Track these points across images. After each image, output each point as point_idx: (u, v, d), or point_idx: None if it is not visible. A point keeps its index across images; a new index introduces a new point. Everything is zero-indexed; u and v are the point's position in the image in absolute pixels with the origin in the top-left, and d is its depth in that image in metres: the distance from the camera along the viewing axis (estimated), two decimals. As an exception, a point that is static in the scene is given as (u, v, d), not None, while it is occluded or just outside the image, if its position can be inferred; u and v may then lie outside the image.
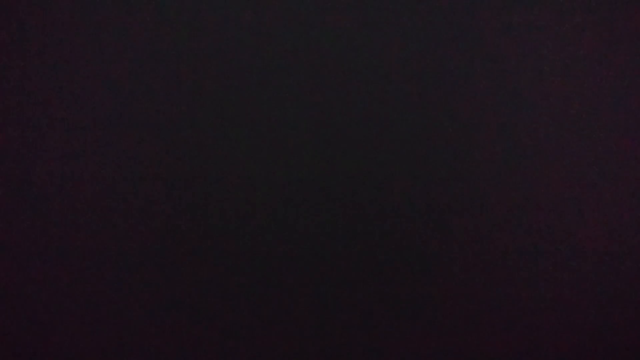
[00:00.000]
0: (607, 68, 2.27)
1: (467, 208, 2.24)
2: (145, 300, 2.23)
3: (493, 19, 2.28)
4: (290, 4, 2.28)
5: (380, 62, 2.27)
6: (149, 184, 2.25)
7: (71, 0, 2.28)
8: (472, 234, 2.24)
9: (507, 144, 2.26)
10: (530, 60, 2.27)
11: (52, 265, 2.23)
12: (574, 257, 2.24)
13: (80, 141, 2.26)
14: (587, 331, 2.23)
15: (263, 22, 2.28)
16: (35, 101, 2.26)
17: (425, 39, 2.27)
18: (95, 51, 2.27)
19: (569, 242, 2.25)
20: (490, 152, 2.25)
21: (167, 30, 2.27)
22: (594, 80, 2.28)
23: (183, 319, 2.23)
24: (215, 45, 2.27)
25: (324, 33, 2.28)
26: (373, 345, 2.23)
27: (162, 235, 2.24)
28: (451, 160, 2.25)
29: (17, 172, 2.25)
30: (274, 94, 2.27)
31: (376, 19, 2.28)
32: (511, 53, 2.27)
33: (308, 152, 2.25)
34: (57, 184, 2.24)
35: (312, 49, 2.27)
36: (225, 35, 2.27)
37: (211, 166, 2.25)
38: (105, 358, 2.22)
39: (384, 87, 2.26)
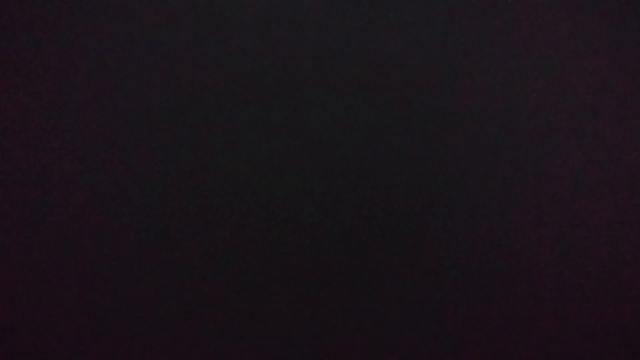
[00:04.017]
0: (608, 68, 2.27)
1: (467, 208, 2.24)
2: (145, 300, 2.23)
3: (493, 20, 2.28)
4: (291, 4, 2.28)
5: (381, 62, 2.27)
6: (149, 184, 2.25)
7: (72, 0, 2.28)
8: (472, 234, 2.24)
9: (507, 145, 2.25)
10: (530, 61, 2.27)
11: (51, 266, 2.24)
12: (574, 257, 2.24)
13: (80, 141, 2.26)
14: (586, 331, 2.23)
15: (263, 22, 2.28)
16: (36, 101, 2.26)
17: (425, 40, 2.27)
18: (95, 51, 2.27)
19: (569, 242, 2.25)
20: (490, 152, 2.25)
21: (168, 30, 2.27)
22: (594, 80, 2.28)
23: (183, 319, 2.23)
24: (216, 46, 2.27)
25: (325, 34, 2.28)
26: (373, 345, 2.23)
27: (162, 236, 2.24)
28: (451, 160, 2.25)
29: (17, 172, 2.25)
30: (274, 95, 2.27)
31: (377, 19, 2.28)
32: (511, 54, 2.27)
33: (308, 152, 2.25)
34: (57, 184, 2.25)
35: (313, 49, 2.27)
36: (226, 36, 2.27)
37: (211, 166, 2.25)
38: (105, 358, 2.23)
39: (384, 87, 2.26)
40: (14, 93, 2.26)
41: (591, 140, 2.26)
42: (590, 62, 2.28)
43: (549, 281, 2.24)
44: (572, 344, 2.23)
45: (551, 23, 2.28)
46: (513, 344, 2.23)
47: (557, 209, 2.25)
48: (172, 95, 2.27)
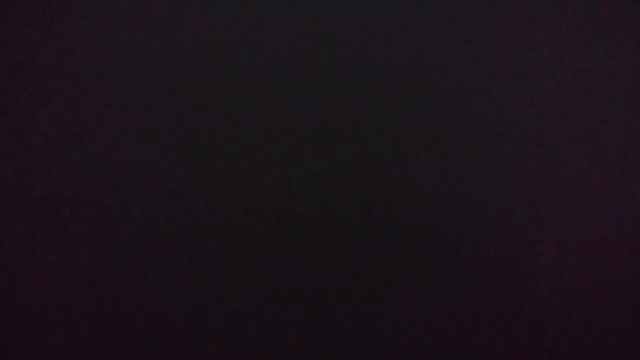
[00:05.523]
0: (608, 69, 2.28)
1: (466, 209, 2.24)
2: (145, 302, 2.23)
3: (493, 20, 2.28)
4: (291, 4, 2.28)
5: (380, 62, 2.27)
6: (149, 184, 2.25)
7: (72, 0, 2.28)
8: (471, 235, 2.24)
9: (507, 145, 2.26)
10: (531, 62, 2.28)
11: (51, 267, 2.23)
12: (574, 259, 2.25)
13: (80, 142, 2.26)
14: (586, 332, 2.24)
15: (263, 22, 2.28)
16: (35, 101, 2.26)
17: (424, 40, 2.27)
18: (95, 51, 2.27)
19: (569, 243, 2.25)
20: (490, 153, 2.25)
21: (168, 30, 2.27)
22: (594, 81, 2.28)
23: (184, 320, 2.23)
24: (216, 46, 2.27)
25: (324, 34, 2.28)
26: (373, 346, 2.24)
27: (163, 237, 2.24)
28: (451, 161, 2.25)
29: (17, 173, 2.24)
30: (274, 95, 2.27)
31: (376, 19, 2.28)
32: (511, 54, 2.27)
33: (308, 153, 2.25)
34: (56, 185, 2.24)
35: (313, 49, 2.27)
36: (226, 36, 2.27)
37: (212, 167, 2.25)
38: (105, 358, 2.23)
39: (384, 87, 2.26)
40: (13, 92, 2.26)
41: (593, 140, 2.26)
42: (591, 62, 2.28)
43: (550, 281, 2.24)
44: (573, 343, 2.24)
45: (554, 23, 2.28)
46: (514, 344, 2.24)
47: (558, 210, 2.25)
48: (171, 94, 2.26)
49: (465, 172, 2.25)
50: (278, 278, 2.24)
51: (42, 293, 2.23)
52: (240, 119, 2.26)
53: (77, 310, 2.23)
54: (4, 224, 2.23)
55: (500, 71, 2.27)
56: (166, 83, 2.26)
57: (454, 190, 2.25)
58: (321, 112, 2.26)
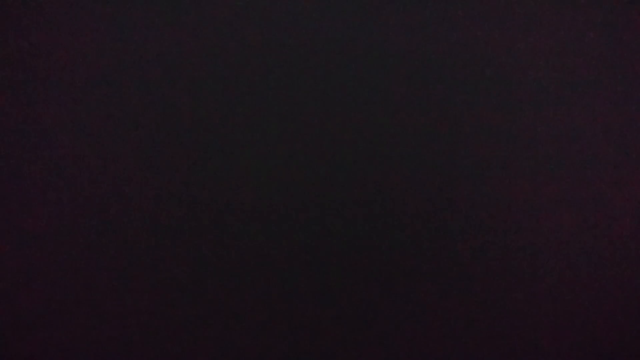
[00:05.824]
0: (608, 69, 2.27)
1: (466, 209, 2.24)
2: (145, 302, 2.23)
3: (493, 20, 2.28)
4: (291, 4, 2.28)
5: (379, 62, 2.27)
6: (149, 184, 2.25)
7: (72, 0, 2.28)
8: (471, 235, 2.24)
9: (506, 145, 2.26)
10: (530, 61, 2.27)
11: (51, 266, 2.24)
12: (573, 258, 2.25)
13: (80, 141, 2.26)
14: (586, 332, 2.23)
15: (263, 21, 2.28)
16: (36, 101, 2.26)
17: (424, 39, 2.27)
18: (96, 51, 2.27)
19: (568, 242, 2.25)
20: (489, 152, 2.25)
21: (168, 30, 2.27)
22: (594, 81, 2.28)
23: (184, 319, 2.23)
24: (216, 46, 2.27)
25: (324, 33, 2.28)
26: (372, 346, 2.23)
27: (163, 236, 2.24)
28: (450, 161, 2.25)
29: (17, 173, 2.25)
30: (274, 95, 2.27)
31: (376, 18, 2.28)
32: (511, 53, 2.27)
33: (308, 152, 2.25)
34: (57, 184, 2.25)
35: (312, 49, 2.27)
36: (226, 36, 2.27)
37: (212, 167, 2.25)
38: (105, 358, 2.23)
39: (383, 87, 2.26)
40: (13, 92, 2.27)
41: (593, 140, 2.26)
42: (592, 61, 2.28)
43: (551, 282, 2.24)
44: (573, 344, 2.24)
45: (554, 22, 2.28)
46: (514, 344, 2.23)
47: (558, 210, 2.25)
48: (171, 95, 2.27)
49: (465, 172, 2.25)
50: (278, 278, 2.24)
51: (42, 293, 2.23)
52: (240, 119, 2.26)
53: (77, 310, 2.23)
54: (4, 224, 2.24)
55: (500, 71, 2.27)
56: (166, 84, 2.27)
57: (454, 190, 2.25)
58: (321, 112, 2.27)
